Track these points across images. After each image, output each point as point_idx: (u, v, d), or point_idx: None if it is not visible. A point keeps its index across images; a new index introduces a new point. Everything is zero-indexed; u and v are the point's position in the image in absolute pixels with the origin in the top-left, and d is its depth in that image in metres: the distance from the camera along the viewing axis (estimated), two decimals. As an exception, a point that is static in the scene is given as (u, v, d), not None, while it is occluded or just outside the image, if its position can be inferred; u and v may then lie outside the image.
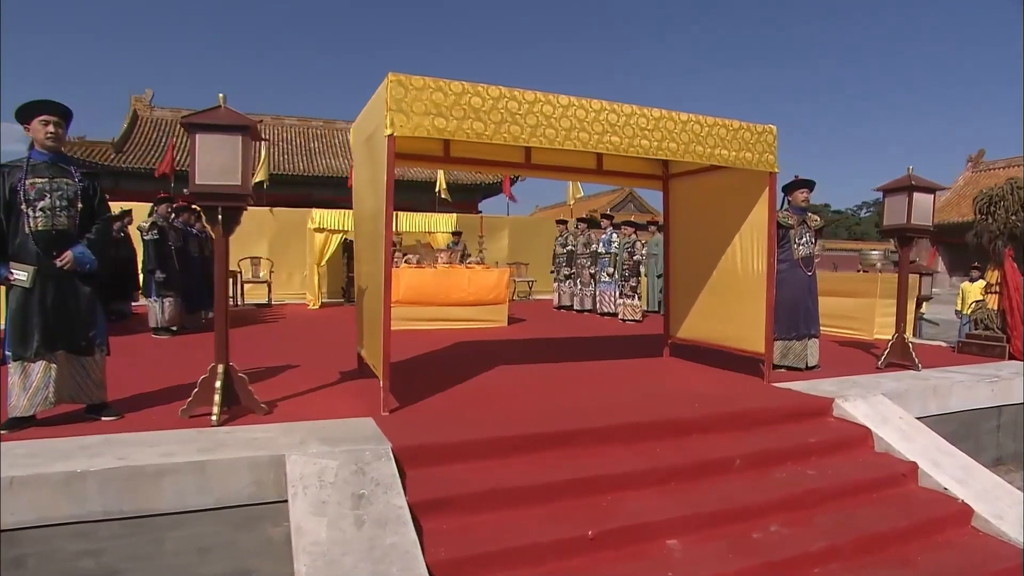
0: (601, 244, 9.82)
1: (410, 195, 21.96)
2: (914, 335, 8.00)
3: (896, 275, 8.02)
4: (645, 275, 9.91)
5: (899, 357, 5.34)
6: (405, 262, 8.51)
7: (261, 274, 11.18)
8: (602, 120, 4.02)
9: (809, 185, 5.30)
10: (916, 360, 5.22)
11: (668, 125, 4.23)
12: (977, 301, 6.02)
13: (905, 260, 5.38)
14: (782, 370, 5.20)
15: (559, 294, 11.00)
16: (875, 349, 6.32)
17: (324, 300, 11.72)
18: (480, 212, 23.96)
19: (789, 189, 5.34)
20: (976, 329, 6.05)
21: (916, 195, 5.17)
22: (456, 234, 11.54)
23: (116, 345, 6.21)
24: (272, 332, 7.66)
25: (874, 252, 7.80)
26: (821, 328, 7.80)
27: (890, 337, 7.38)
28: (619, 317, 9.17)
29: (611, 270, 9.45)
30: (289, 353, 5.75)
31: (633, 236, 9.21)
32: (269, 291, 11.05)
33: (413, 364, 5.51)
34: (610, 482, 3.11)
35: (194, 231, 8.21)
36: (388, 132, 3.53)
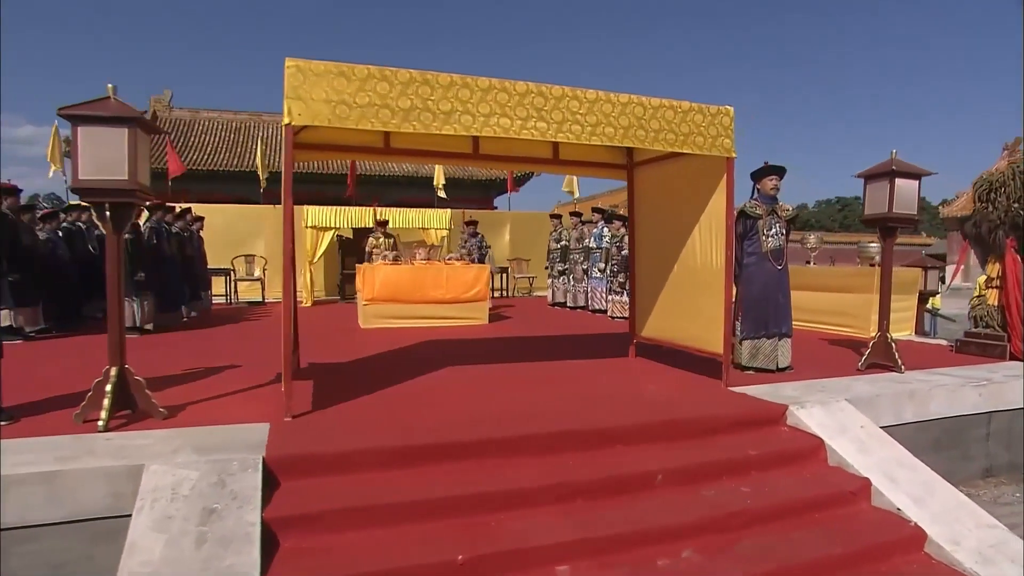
0: (592, 239, 9.48)
1: (411, 191, 21.92)
2: (916, 333, 7.46)
3: (897, 269, 7.51)
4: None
5: (882, 358, 4.90)
6: (381, 259, 8.32)
7: (255, 272, 11.17)
8: (527, 104, 3.72)
9: (779, 171, 4.89)
10: (899, 361, 4.77)
11: (605, 108, 3.91)
12: (978, 296, 5.49)
13: (888, 253, 4.92)
14: (750, 372, 4.83)
15: (552, 290, 10.70)
16: (866, 348, 5.84)
17: (319, 297, 11.68)
18: (495, 208, 23.79)
19: (757, 176, 4.94)
20: (976, 327, 5.54)
21: (898, 181, 4.71)
22: (470, 224, 11.05)
23: (81, 344, 6.27)
24: (242, 331, 7.56)
25: (872, 244, 7.26)
26: (814, 325, 7.37)
27: (892, 336, 6.90)
28: (608, 314, 8.82)
29: (602, 265, 9.11)
30: (241, 353, 5.62)
31: (622, 230, 8.82)
32: (263, 289, 11.03)
33: (359, 364, 5.31)
34: (505, 499, 2.83)
35: (175, 230, 8.20)
36: (286, 121, 3.32)
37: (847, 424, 3.70)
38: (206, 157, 20.42)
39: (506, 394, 4.18)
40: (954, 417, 4.29)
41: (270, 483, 2.78)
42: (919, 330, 7.55)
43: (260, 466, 2.74)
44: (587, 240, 9.69)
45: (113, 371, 3.33)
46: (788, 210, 4.97)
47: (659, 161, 5.09)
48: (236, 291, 10.80)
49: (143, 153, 3.30)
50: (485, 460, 3.06)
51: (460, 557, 2.46)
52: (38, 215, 6.95)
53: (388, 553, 2.48)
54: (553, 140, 3.85)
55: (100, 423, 3.17)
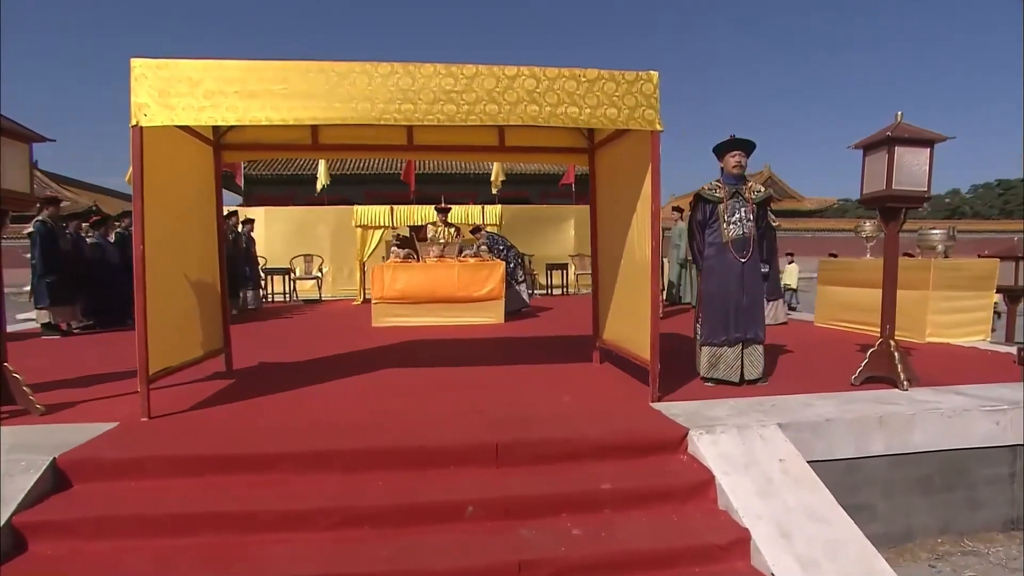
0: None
1: (467, 187, 21.87)
2: (1008, 339, 5.94)
3: (967, 261, 6.07)
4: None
5: (883, 370, 3.90)
6: (393, 257, 8.29)
7: (313, 271, 11.73)
8: (391, 86, 3.39)
9: (744, 146, 4.06)
10: (903, 376, 3.76)
11: (487, 84, 3.46)
12: (1049, 295, 4.19)
13: (893, 238, 3.89)
14: (710, 384, 4.08)
15: (595, 288, 10.00)
16: (914, 355, 4.72)
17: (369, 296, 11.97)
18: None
19: (719, 152, 4.15)
20: (1045, 335, 4.23)
21: (899, 150, 3.70)
22: (476, 231, 9.65)
23: (107, 340, 6.88)
24: (263, 329, 7.86)
25: (935, 232, 5.83)
26: (858, 327, 6.14)
27: (956, 341, 5.64)
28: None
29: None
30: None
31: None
32: (319, 287, 11.55)
33: (308, 364, 5.25)
34: (274, 519, 2.56)
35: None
36: (133, 123, 3.30)
37: (760, 457, 2.94)
38: (278, 163, 22.20)
39: (401, 402, 3.86)
40: (956, 451, 3.28)
41: (61, 485, 2.76)
42: (1010, 335, 6.02)
43: (43, 468, 2.71)
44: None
45: (-15, 368, 3.52)
46: (759, 191, 4.12)
47: (613, 141, 4.47)
48: (295, 289, 11.41)
49: (10, 158, 3.44)
50: (285, 474, 2.81)
51: (181, 583, 2.24)
52: (88, 223, 7.78)
53: (125, 568, 2.33)
54: (421, 123, 3.47)
55: (-37, 419, 3.36)
